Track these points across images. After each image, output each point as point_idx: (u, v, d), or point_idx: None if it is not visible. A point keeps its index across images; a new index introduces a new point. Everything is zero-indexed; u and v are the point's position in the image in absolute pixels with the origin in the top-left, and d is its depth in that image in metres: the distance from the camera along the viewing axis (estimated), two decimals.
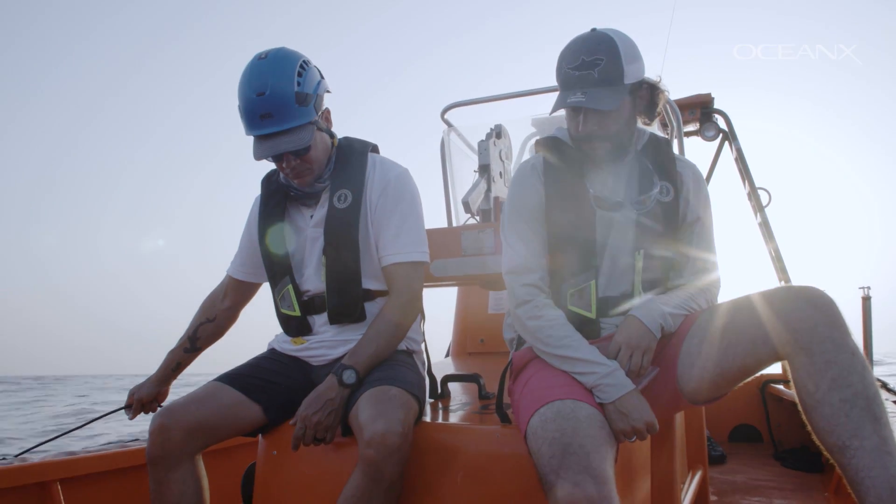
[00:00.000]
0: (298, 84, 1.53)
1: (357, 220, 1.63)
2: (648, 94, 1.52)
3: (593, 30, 1.47)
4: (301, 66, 1.55)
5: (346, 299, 1.64)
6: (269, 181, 1.78)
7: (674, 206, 1.51)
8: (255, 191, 1.81)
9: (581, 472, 1.11)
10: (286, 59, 1.55)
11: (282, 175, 1.70)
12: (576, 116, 1.47)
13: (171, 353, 1.85)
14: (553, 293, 1.49)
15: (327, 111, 1.67)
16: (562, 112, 1.51)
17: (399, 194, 1.67)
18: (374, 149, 1.78)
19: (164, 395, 1.87)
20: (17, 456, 2.14)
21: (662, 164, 1.53)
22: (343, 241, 1.63)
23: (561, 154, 1.54)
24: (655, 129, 2.68)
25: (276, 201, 1.73)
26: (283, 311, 1.72)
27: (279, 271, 1.71)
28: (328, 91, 1.65)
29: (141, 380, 1.86)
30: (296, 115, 1.53)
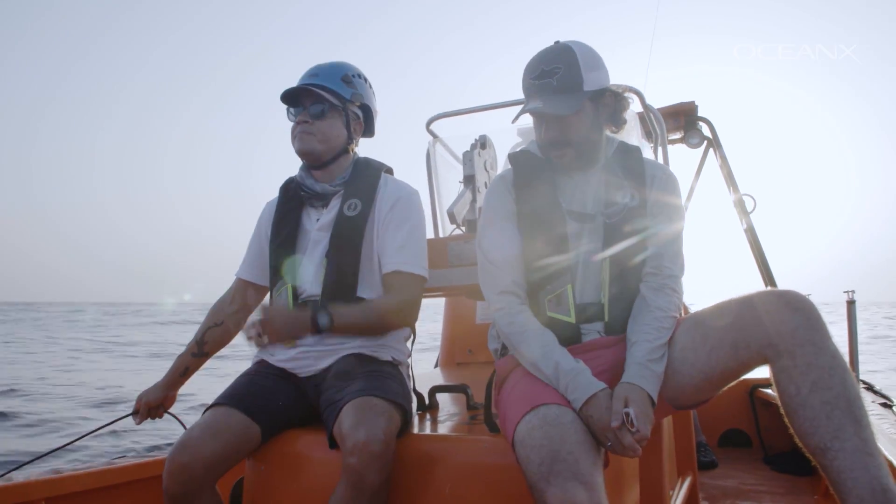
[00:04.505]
0: (349, 77, 1.79)
1: (363, 228, 1.71)
2: (613, 102, 1.54)
3: (556, 42, 1.52)
4: (356, 74, 1.82)
5: (339, 303, 1.67)
6: (287, 188, 1.87)
7: (641, 211, 1.51)
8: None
9: (571, 479, 1.12)
10: (344, 64, 1.83)
11: (297, 174, 1.83)
12: (540, 125, 1.52)
13: (180, 358, 1.88)
14: (531, 302, 1.50)
15: (360, 126, 1.85)
16: None
17: (408, 211, 1.75)
18: (389, 170, 1.88)
19: (172, 400, 1.89)
20: (2, 476, 2.11)
21: (632, 170, 1.54)
22: (347, 247, 1.69)
23: (531, 165, 1.57)
24: (638, 139, 2.70)
25: (291, 206, 1.82)
26: None
27: (281, 270, 1.76)
28: (375, 113, 1.87)
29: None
30: (333, 82, 1.76)
